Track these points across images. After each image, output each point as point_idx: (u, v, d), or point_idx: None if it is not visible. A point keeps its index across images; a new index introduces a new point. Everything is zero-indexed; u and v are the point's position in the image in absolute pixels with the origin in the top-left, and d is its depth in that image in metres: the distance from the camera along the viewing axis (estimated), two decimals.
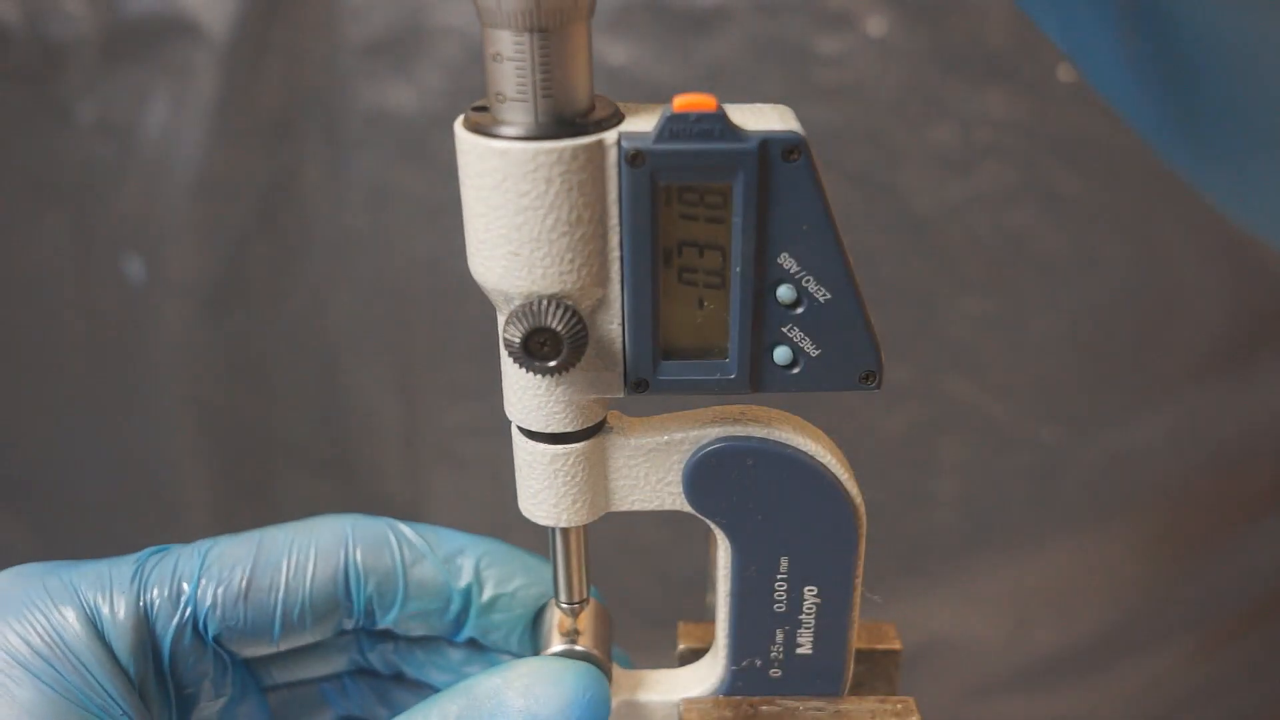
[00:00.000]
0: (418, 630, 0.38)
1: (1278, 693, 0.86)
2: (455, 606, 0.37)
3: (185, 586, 0.35)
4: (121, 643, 0.33)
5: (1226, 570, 0.87)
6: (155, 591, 0.34)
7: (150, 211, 0.80)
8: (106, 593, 0.34)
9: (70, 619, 0.33)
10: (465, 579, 0.37)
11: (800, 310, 0.31)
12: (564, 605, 0.37)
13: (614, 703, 0.38)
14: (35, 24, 0.77)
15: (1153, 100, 0.30)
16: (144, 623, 0.34)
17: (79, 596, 0.33)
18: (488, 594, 0.37)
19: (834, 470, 0.34)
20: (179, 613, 0.35)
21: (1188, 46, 0.26)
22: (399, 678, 0.41)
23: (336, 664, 0.40)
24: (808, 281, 0.30)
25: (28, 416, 0.88)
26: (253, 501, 0.88)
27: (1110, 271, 0.79)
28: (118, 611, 0.33)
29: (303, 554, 0.36)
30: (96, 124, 0.79)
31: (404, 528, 0.38)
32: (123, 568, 0.35)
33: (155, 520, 0.88)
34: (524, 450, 0.34)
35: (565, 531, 0.35)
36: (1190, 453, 0.84)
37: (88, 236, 0.82)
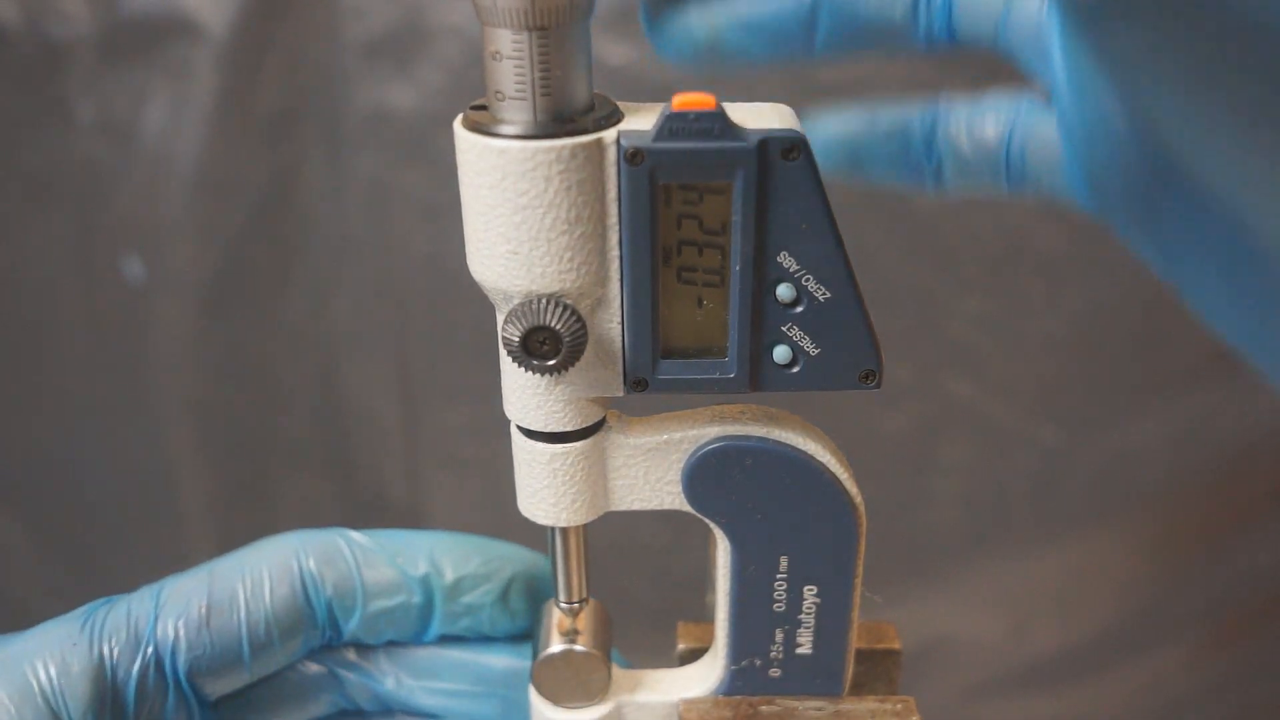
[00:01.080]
0: (388, 633, 0.37)
1: (1278, 693, 0.86)
2: (418, 598, 0.37)
3: (143, 627, 0.34)
4: (77, 702, 0.32)
5: (1226, 570, 0.87)
6: (111, 640, 0.33)
7: (150, 211, 0.80)
8: (55, 652, 0.32)
9: (11, 698, 0.31)
10: (421, 568, 0.37)
11: (800, 309, 0.31)
12: (563, 605, 0.37)
13: (612, 703, 0.38)
14: (35, 24, 0.77)
15: (1269, 335, 0.27)
16: (100, 674, 0.33)
17: (24, 667, 0.32)
18: (449, 577, 0.37)
19: (834, 470, 0.34)
20: (140, 655, 0.33)
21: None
22: (387, 714, 0.40)
23: (318, 707, 0.38)
24: (807, 280, 0.30)
25: (28, 417, 0.88)
26: (252, 501, 0.88)
27: (1110, 271, 0.79)
28: (71, 667, 0.32)
29: (256, 572, 0.35)
30: (96, 124, 0.79)
31: (352, 533, 0.37)
32: (69, 625, 0.33)
33: (154, 520, 0.88)
34: (523, 449, 0.34)
35: (565, 531, 0.35)
36: (1190, 453, 0.84)
37: (88, 236, 0.82)
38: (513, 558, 0.38)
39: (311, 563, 0.36)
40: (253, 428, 0.87)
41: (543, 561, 0.39)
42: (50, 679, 0.32)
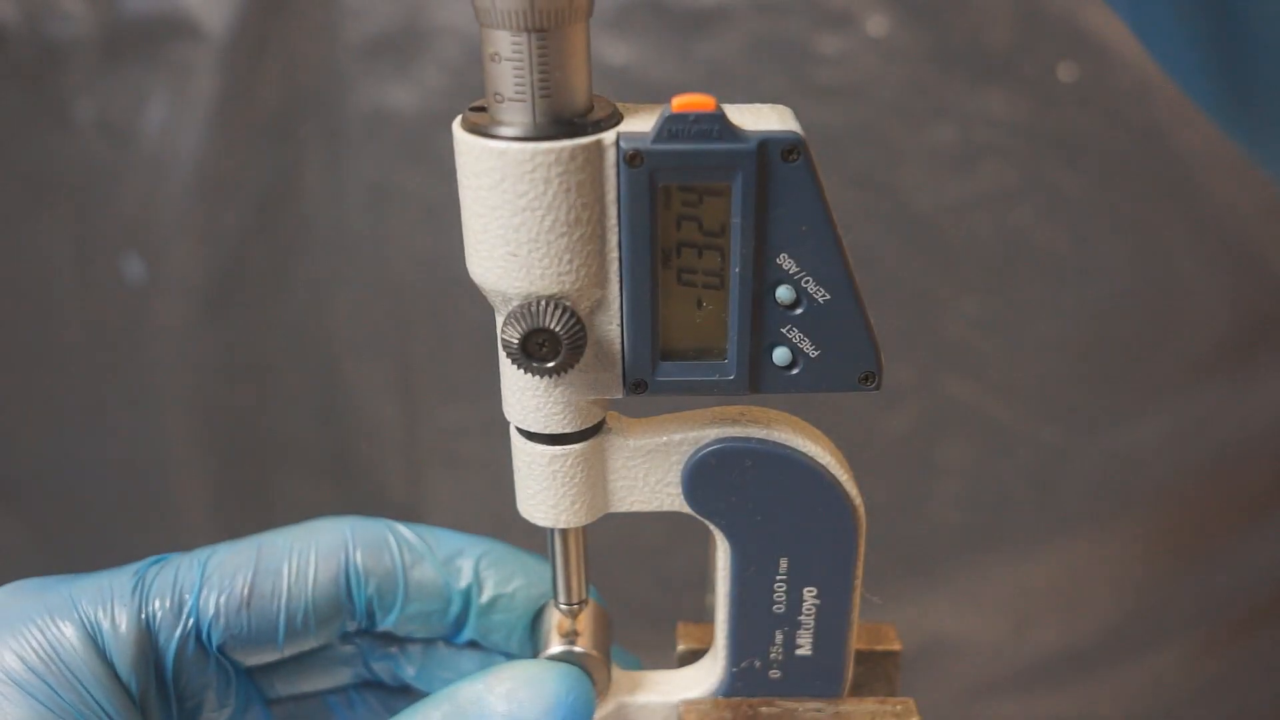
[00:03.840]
0: (418, 632, 0.38)
1: (1278, 693, 0.86)
2: (455, 607, 0.37)
3: (187, 597, 0.35)
4: (123, 657, 0.33)
5: (1227, 570, 0.87)
6: (157, 603, 0.34)
7: (150, 211, 0.80)
8: (107, 606, 0.33)
9: (69, 635, 0.32)
10: (465, 580, 0.37)
11: (799, 311, 0.31)
12: (563, 606, 0.37)
13: (612, 704, 0.38)
14: (35, 24, 0.77)
15: (1214, 78, 0.32)
16: (146, 635, 0.34)
17: (78, 611, 0.33)
18: (488, 594, 0.37)
19: (833, 471, 0.34)
20: (181, 624, 0.34)
21: (1248, 26, 0.27)
22: (406, 689, 0.40)
23: (341, 677, 0.39)
24: (807, 282, 0.30)
25: (27, 417, 0.88)
26: (252, 502, 0.88)
27: (1110, 271, 0.79)
28: (119, 625, 0.33)
29: (303, 558, 0.36)
30: (96, 124, 0.79)
31: (403, 529, 0.38)
32: (123, 579, 0.34)
33: (154, 520, 0.88)
34: (523, 451, 0.34)
35: (564, 532, 0.35)
36: (1190, 453, 0.84)
37: (88, 236, 0.82)
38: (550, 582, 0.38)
39: (359, 556, 0.36)
40: (253, 428, 0.87)
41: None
42: (104, 632, 0.33)
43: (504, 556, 0.38)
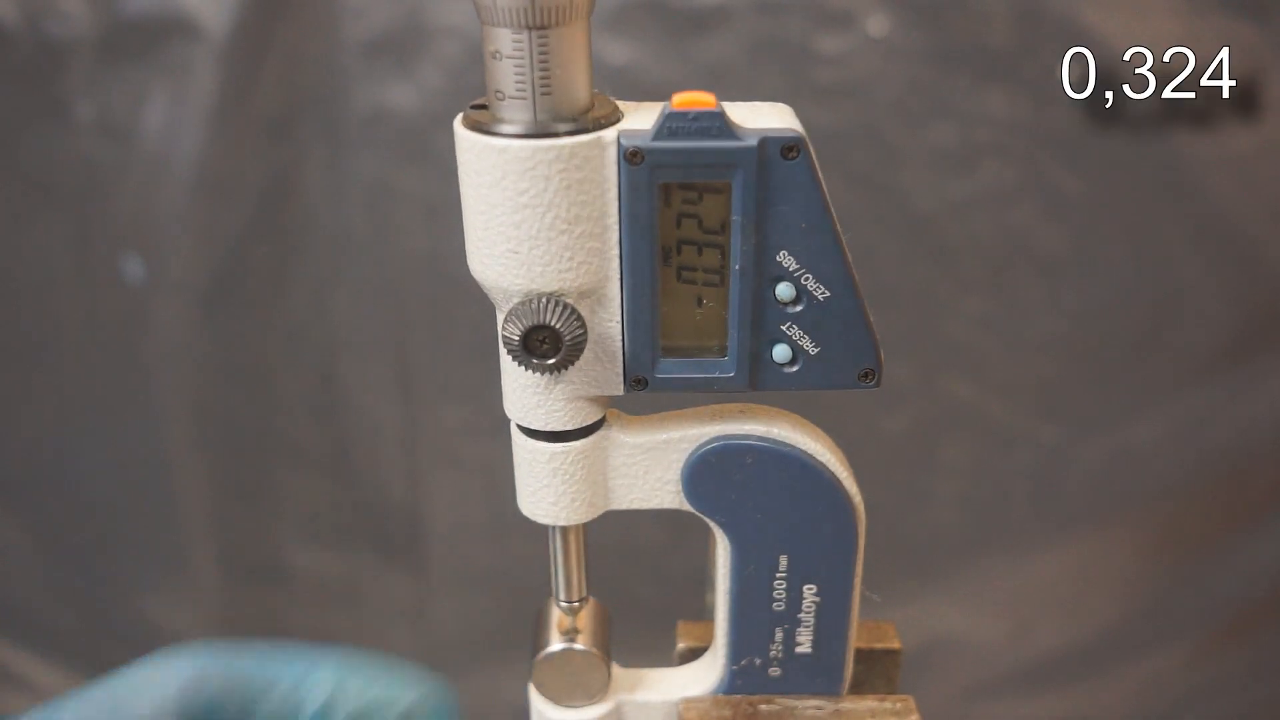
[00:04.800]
0: None
1: (1278, 693, 0.86)
2: None
3: None
4: None
5: (1227, 570, 0.87)
6: None
7: (150, 211, 0.80)
8: None
9: None
10: (320, 697, 0.31)
11: (799, 308, 0.31)
12: (563, 604, 0.37)
13: (612, 702, 0.38)
14: (35, 24, 0.77)
15: None
16: None
17: None
18: (351, 707, 0.32)
19: (834, 469, 0.34)
20: None
21: None
22: None
23: None
24: (807, 279, 0.30)
25: (27, 417, 0.88)
26: (251, 501, 0.88)
27: (1110, 271, 0.79)
28: None
29: None
30: (96, 124, 0.79)
31: (246, 657, 0.32)
32: None
33: (154, 520, 0.88)
34: (523, 448, 0.34)
35: (564, 530, 0.35)
36: (1190, 453, 0.84)
37: (88, 236, 0.82)
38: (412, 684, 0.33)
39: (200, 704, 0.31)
40: (253, 428, 0.87)
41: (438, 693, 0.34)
42: None
43: (359, 666, 0.32)
